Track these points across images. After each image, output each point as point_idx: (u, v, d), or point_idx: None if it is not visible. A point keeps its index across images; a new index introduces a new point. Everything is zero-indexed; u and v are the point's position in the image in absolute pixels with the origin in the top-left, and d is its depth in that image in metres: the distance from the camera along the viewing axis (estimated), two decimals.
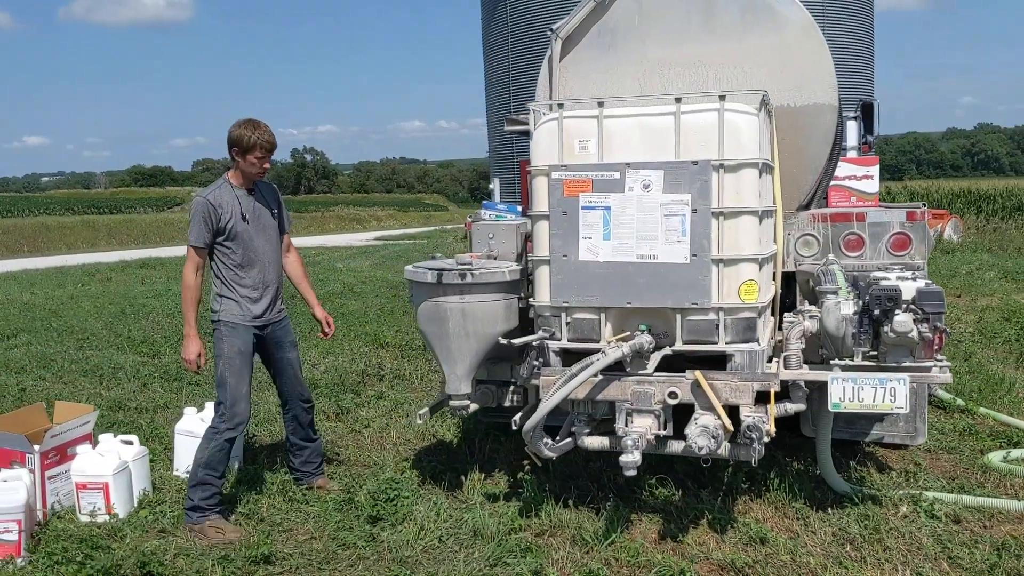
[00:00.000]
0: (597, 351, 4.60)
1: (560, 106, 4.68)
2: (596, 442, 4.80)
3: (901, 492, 5.16)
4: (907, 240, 5.48)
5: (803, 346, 4.75)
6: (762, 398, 4.52)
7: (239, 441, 5.90)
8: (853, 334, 4.56)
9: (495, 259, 5.31)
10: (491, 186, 23.21)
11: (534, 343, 4.73)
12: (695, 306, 4.52)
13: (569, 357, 4.77)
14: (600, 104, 4.61)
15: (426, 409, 5.45)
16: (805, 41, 5.49)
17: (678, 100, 4.51)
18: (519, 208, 6.39)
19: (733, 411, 4.52)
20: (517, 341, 4.69)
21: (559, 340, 4.76)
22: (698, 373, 4.47)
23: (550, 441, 4.81)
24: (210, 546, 4.76)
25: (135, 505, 5.31)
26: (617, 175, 4.56)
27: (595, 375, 4.52)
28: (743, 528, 4.74)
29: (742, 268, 4.52)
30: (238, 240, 5.14)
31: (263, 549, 4.56)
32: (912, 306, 4.40)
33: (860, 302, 4.58)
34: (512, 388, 5.49)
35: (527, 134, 7.61)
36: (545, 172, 4.71)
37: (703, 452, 4.30)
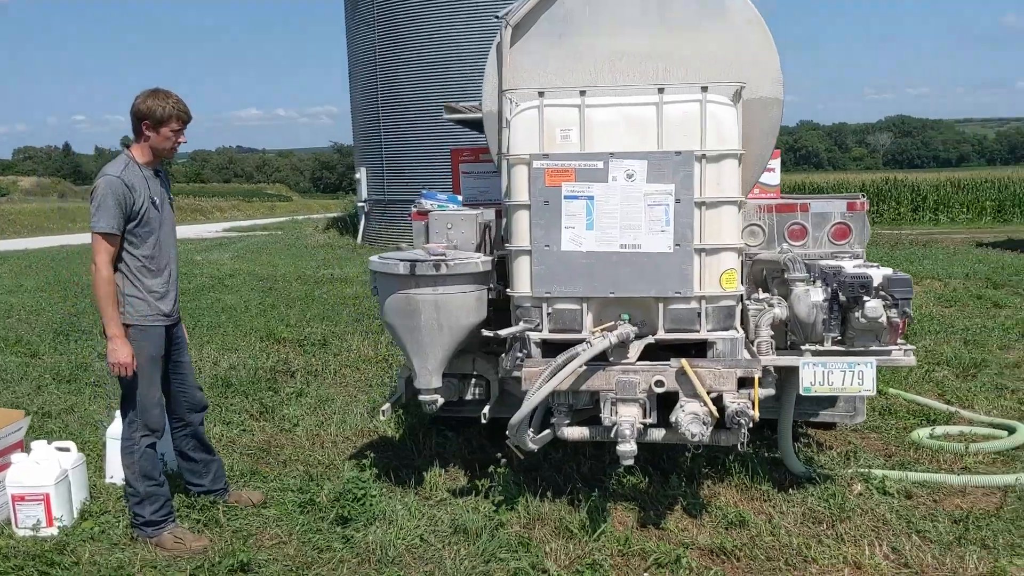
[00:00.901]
0: (579, 342, 4.58)
1: (541, 94, 4.63)
2: (576, 433, 4.79)
3: (850, 471, 5.39)
4: (847, 230, 5.70)
5: (772, 333, 4.89)
6: (741, 384, 4.62)
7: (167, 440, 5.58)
8: (823, 320, 4.72)
9: (456, 249, 5.20)
10: (357, 176, 22.91)
11: (517, 335, 4.67)
12: (678, 295, 4.57)
13: (548, 348, 4.73)
14: (582, 93, 4.59)
15: (387, 405, 5.30)
16: (753, 35, 5.61)
17: (661, 91, 4.55)
18: (459, 198, 6.30)
19: (715, 398, 4.60)
20: (503, 332, 4.62)
21: (540, 331, 4.71)
22: (684, 361, 4.53)
23: (532, 433, 4.77)
24: (174, 557, 4.47)
25: (74, 516, 4.93)
26: (600, 165, 4.55)
27: (580, 366, 4.51)
28: (718, 512, 4.84)
29: (723, 257, 4.60)
30: (149, 228, 4.56)
31: (241, 557, 4.32)
32: (882, 292, 4.60)
33: (828, 289, 4.75)
34: (474, 381, 5.42)
35: (467, 123, 7.54)
36: (525, 161, 4.65)
37: (696, 439, 4.35)
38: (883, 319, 4.57)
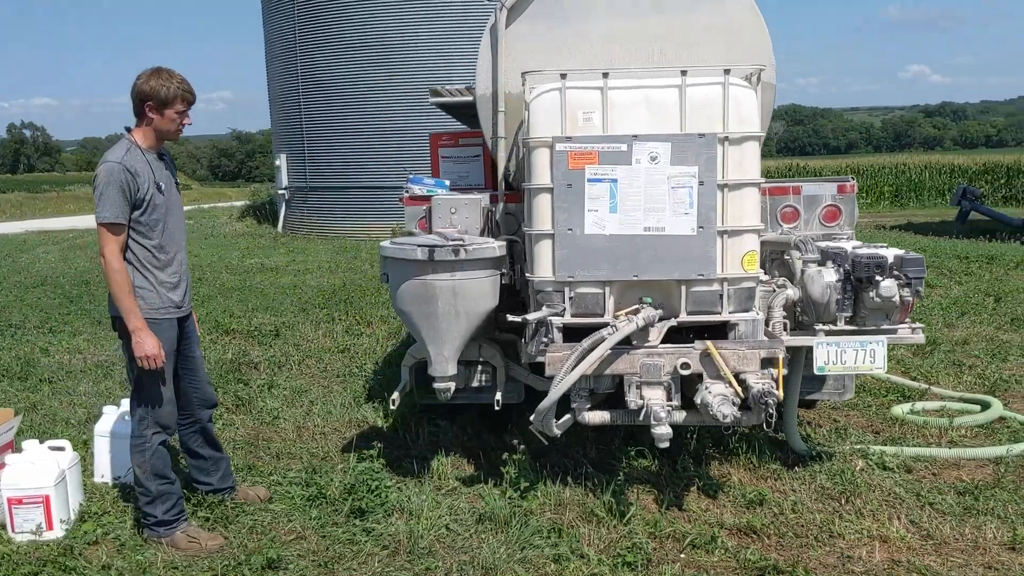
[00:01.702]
0: (602, 326, 4.56)
1: (563, 76, 4.57)
2: (597, 417, 4.76)
3: (847, 448, 5.52)
4: (837, 212, 5.81)
5: (785, 314, 4.96)
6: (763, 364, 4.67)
7: None
8: (837, 300, 4.80)
9: (466, 234, 5.12)
10: (277, 162, 22.39)
11: (543, 320, 4.61)
12: (701, 277, 4.58)
13: (568, 333, 4.70)
14: (605, 75, 4.55)
15: (396, 394, 5.21)
16: (747, 19, 5.67)
17: (684, 73, 4.54)
18: (447, 183, 6.20)
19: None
20: (531, 316, 4.56)
21: (563, 316, 4.67)
22: (710, 343, 4.55)
23: (556, 419, 4.73)
24: (193, 557, 4.29)
25: (73, 518, 4.68)
26: (624, 147, 4.53)
27: (608, 350, 4.49)
28: (735, 492, 4.90)
29: (745, 239, 4.63)
30: (156, 215, 4.33)
31: (269, 553, 4.18)
32: (895, 272, 4.70)
33: (840, 269, 4.83)
34: (480, 368, 5.35)
35: (448, 108, 7.41)
36: (547, 144, 4.59)
37: (727, 420, 4.37)
38: (896, 298, 4.68)
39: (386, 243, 4.92)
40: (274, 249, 19.10)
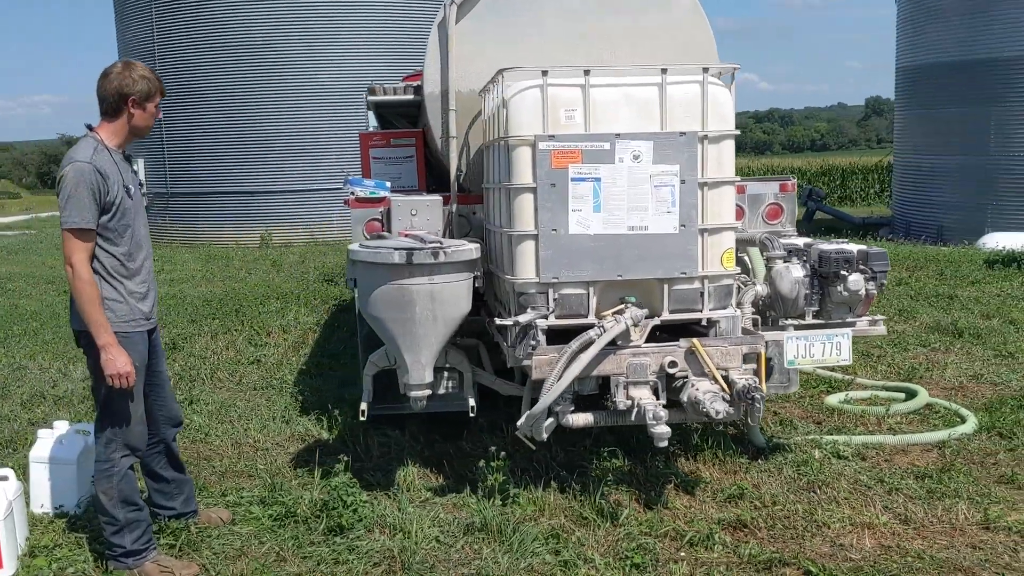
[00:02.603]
0: (587, 327, 4.50)
1: (544, 73, 4.48)
2: (581, 419, 4.69)
3: (798, 439, 5.66)
4: (780, 210, 5.97)
5: (754, 310, 5.04)
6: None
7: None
8: (805, 295, 4.92)
9: (436, 235, 4.97)
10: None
11: (531, 322, 4.51)
12: (683, 275, 4.59)
13: (551, 335, 4.61)
14: (587, 72, 4.49)
15: (364, 405, 5.02)
16: (692, 20, 5.75)
17: (664, 71, 4.54)
18: (388, 184, 6.02)
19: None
20: (523, 318, 4.45)
21: (548, 318, 4.58)
22: (695, 341, 4.56)
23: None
24: None
25: (20, 553, 4.26)
26: (607, 146, 4.48)
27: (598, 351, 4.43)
28: (712, 487, 4.93)
29: (724, 236, 4.67)
30: (124, 220, 4.01)
31: None
32: (861, 266, 4.86)
33: (807, 265, 4.95)
34: (446, 374, 5.21)
35: (383, 107, 7.16)
36: (529, 142, 4.49)
37: (721, 416, 4.39)
38: (862, 291, 4.84)
39: (355, 246, 4.72)
40: None
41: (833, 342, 4.92)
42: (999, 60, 15.75)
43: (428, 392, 4.71)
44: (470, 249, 4.65)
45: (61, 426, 4.96)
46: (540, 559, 4.15)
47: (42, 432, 4.94)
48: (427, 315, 4.55)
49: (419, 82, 6.20)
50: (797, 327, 4.94)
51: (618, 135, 4.48)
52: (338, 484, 4.67)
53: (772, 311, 5.10)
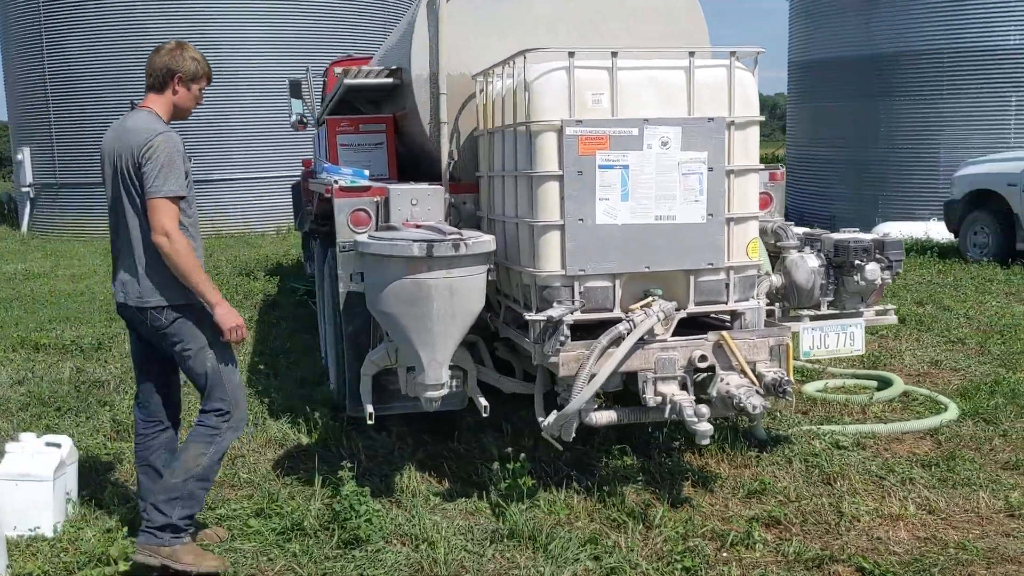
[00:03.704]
0: (614, 322, 4.31)
1: (571, 55, 4.24)
2: (605, 417, 4.49)
3: (795, 430, 5.60)
4: (769, 199, 5.87)
5: (768, 301, 4.94)
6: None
7: (73, 473, 4.61)
8: (821, 285, 4.85)
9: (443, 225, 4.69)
10: (19, 157, 19.99)
11: (559, 317, 4.27)
12: (710, 266, 4.44)
13: (574, 331, 4.40)
14: (614, 54, 4.28)
15: (370, 408, 4.71)
16: (684, 3, 5.60)
17: (692, 54, 4.37)
18: (366, 172, 5.71)
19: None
20: (555, 313, 4.20)
21: (576, 312, 4.35)
22: (725, 334, 4.42)
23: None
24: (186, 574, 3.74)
25: None
26: (635, 131, 4.29)
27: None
28: (731, 483, 4.82)
29: (750, 226, 4.55)
30: (191, 189, 4.01)
31: None
32: (877, 255, 4.81)
33: (822, 255, 4.88)
34: (451, 372, 4.92)
35: (354, 91, 6.76)
36: (555, 128, 4.25)
37: (758, 410, 4.25)
38: (879, 281, 4.79)
39: (363, 237, 4.40)
40: (26, 253, 17.02)
41: (847, 332, 4.88)
42: (887, 56, 16.24)
43: (444, 392, 4.45)
44: (488, 240, 4.40)
45: (29, 438, 4.48)
46: (583, 566, 3.94)
47: (10, 446, 4.44)
48: (445, 310, 4.27)
49: (393, 66, 5.88)
50: (812, 317, 4.87)
51: (647, 120, 4.29)
52: (348, 493, 4.35)
53: (786, 301, 5.01)
